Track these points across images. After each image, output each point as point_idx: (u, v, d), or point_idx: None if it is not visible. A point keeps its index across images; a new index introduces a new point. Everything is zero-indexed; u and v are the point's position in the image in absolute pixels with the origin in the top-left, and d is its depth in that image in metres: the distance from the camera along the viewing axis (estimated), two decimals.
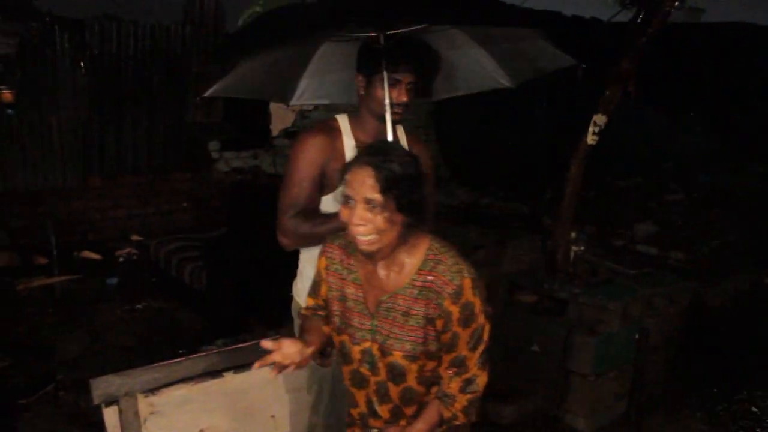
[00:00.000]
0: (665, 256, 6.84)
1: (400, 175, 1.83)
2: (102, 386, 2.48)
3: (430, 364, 2.01)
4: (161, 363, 2.62)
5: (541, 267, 4.51)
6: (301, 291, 2.60)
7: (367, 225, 1.84)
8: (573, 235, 4.40)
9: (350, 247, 2.05)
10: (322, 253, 2.14)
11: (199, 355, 2.71)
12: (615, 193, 9.49)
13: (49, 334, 5.07)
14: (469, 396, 2.01)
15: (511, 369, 4.09)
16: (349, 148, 2.46)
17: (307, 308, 2.21)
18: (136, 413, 2.56)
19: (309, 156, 2.42)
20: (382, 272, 1.99)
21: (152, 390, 2.56)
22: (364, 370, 2.06)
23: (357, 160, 1.86)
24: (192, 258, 5.44)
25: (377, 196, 1.81)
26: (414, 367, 1.98)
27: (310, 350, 1.96)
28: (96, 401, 2.48)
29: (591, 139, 4.20)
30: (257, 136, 8.40)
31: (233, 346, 2.76)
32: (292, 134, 8.49)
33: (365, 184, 1.82)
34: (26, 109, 6.98)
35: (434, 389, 2.06)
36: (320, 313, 2.17)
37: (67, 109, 7.05)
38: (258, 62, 2.68)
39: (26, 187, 6.80)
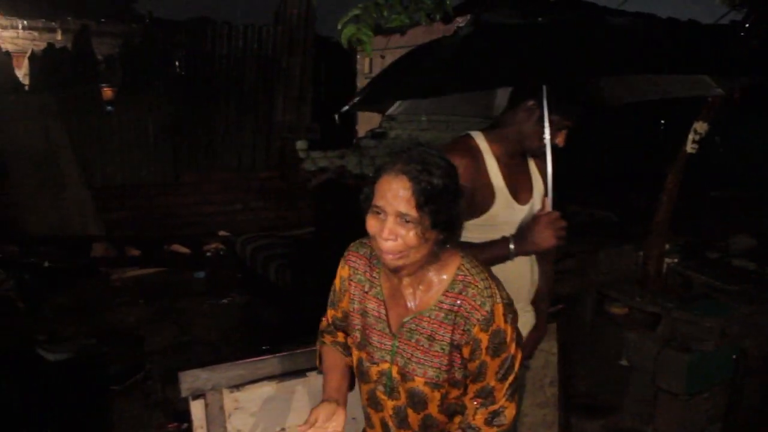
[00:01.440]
0: (763, 272, 6.48)
1: (439, 189, 1.63)
2: (189, 380, 2.52)
3: (455, 392, 1.83)
4: (247, 360, 2.64)
5: (633, 278, 4.34)
6: None
7: (398, 240, 1.66)
8: (666, 246, 4.22)
9: (375, 258, 1.88)
10: (345, 261, 1.96)
11: (284, 354, 2.72)
12: (710, 203, 9.08)
13: (140, 324, 5.24)
14: (495, 429, 1.81)
15: (598, 382, 3.96)
16: (493, 170, 2.28)
17: (326, 328, 2.08)
18: (222, 408, 2.59)
19: None
20: (407, 290, 1.82)
21: (237, 386, 2.59)
22: (380, 392, 1.90)
23: (392, 168, 1.65)
24: (277, 255, 5.52)
25: (412, 211, 1.62)
26: (437, 395, 1.82)
27: (343, 413, 1.85)
28: (183, 394, 2.52)
29: (690, 148, 4.01)
30: (343, 137, 8.46)
31: (314, 347, 2.75)
32: (378, 135, 8.51)
33: (400, 197, 1.63)
34: (125, 107, 7.25)
35: (457, 419, 1.87)
36: (339, 339, 2.04)
37: (162, 107, 7.29)
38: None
39: (122, 181, 7.08)
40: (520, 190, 2.31)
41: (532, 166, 2.43)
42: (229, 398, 2.59)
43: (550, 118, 2.22)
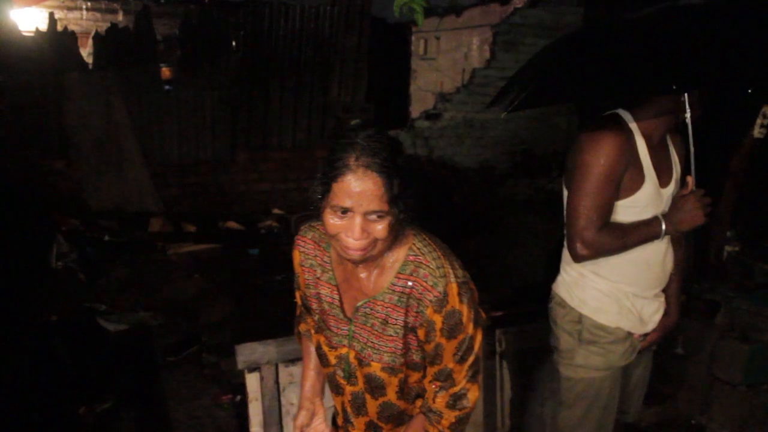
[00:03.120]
0: None
1: (405, 174, 1.53)
2: (246, 352, 2.57)
3: (415, 376, 1.77)
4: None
5: (691, 265, 4.24)
6: (582, 300, 2.34)
7: (369, 237, 1.56)
8: (728, 233, 4.10)
9: (324, 241, 1.81)
10: (295, 247, 1.88)
11: None
12: None
13: (195, 298, 5.34)
14: (457, 413, 1.75)
15: (652, 370, 3.88)
16: (642, 151, 2.19)
17: (299, 314, 2.05)
18: (276, 381, 2.63)
19: (609, 161, 2.11)
20: (362, 273, 1.73)
21: (292, 360, 2.62)
22: (339, 377, 1.85)
23: (354, 164, 1.50)
24: None
25: (384, 207, 1.51)
26: (394, 380, 1.76)
27: (321, 410, 1.97)
28: (240, 366, 2.57)
29: (758, 132, 3.87)
30: (398, 117, 8.46)
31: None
32: (432, 116, 8.47)
33: (371, 196, 1.50)
34: (183, 86, 7.36)
35: (419, 402, 1.82)
36: (310, 324, 1.97)
37: (219, 86, 7.39)
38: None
39: (180, 159, 7.21)
40: (662, 173, 2.24)
41: (672, 149, 2.34)
42: (284, 372, 2.63)
43: (690, 96, 2.12)
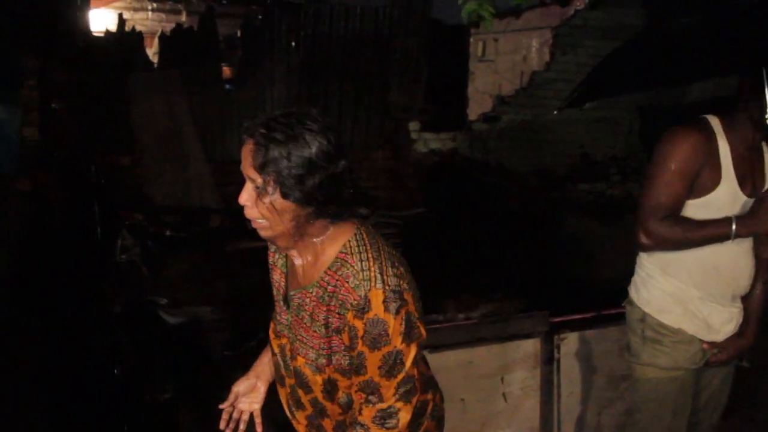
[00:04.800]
0: None
1: (284, 152, 1.48)
2: None
3: (344, 381, 1.66)
4: None
5: None
6: (647, 299, 2.36)
7: (253, 208, 1.55)
8: None
9: None
10: None
11: None
12: None
13: (254, 294, 5.41)
14: (385, 431, 1.61)
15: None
16: (724, 152, 2.19)
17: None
18: None
19: (683, 156, 2.15)
20: (297, 261, 1.69)
21: None
22: (281, 368, 1.80)
23: (246, 130, 1.54)
24: (389, 235, 5.57)
25: (256, 176, 1.51)
26: (318, 379, 1.68)
27: (263, 388, 1.90)
28: None
29: None
30: (455, 119, 8.44)
31: (432, 326, 2.78)
32: (491, 119, 8.42)
33: (246, 160, 1.53)
34: (244, 85, 7.49)
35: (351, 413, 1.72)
36: None
37: (279, 85, 7.50)
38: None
39: (240, 157, 7.34)
40: (748, 181, 2.21)
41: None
42: None
43: None
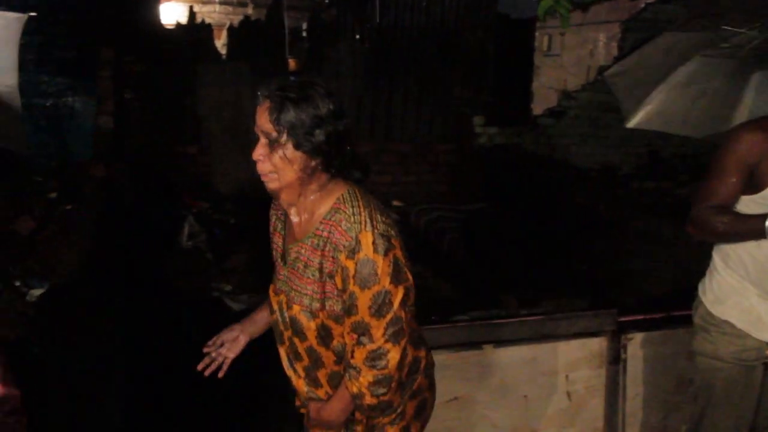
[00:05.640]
0: None
1: (298, 108, 1.68)
2: None
3: (337, 328, 1.81)
4: (425, 326, 2.70)
5: None
6: (706, 289, 2.41)
7: (266, 162, 1.73)
8: None
9: None
10: (271, 207, 2.04)
11: (461, 324, 2.77)
12: None
13: None
14: (375, 372, 1.75)
15: None
16: None
17: None
18: None
19: (741, 151, 2.19)
20: (295, 219, 1.85)
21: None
22: (279, 324, 1.93)
23: (262, 94, 1.74)
24: (451, 228, 5.58)
25: (272, 129, 1.69)
26: (312, 325, 1.82)
27: (243, 340, 2.06)
28: None
29: None
30: (519, 114, 8.35)
31: (496, 321, 2.77)
32: (557, 114, 8.30)
33: (262, 117, 1.71)
34: (310, 76, 7.55)
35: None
36: None
37: (345, 77, 7.54)
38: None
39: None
40: None
41: None
42: None
43: None
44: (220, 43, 8.91)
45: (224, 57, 8.25)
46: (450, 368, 2.72)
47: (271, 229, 2.01)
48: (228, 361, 2.06)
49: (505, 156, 7.64)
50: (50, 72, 7.36)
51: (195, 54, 7.66)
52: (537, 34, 13.19)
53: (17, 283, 4.35)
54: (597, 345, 2.93)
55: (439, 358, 2.69)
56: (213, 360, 2.06)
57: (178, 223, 6.01)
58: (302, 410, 2.05)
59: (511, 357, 2.79)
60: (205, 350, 2.07)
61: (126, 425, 3.37)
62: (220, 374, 2.05)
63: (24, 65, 7.13)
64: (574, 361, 2.90)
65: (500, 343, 2.75)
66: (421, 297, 5.51)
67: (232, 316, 4.77)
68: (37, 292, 4.31)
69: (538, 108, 8.84)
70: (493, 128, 8.07)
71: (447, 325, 2.76)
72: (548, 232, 5.39)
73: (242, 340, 2.09)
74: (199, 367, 2.06)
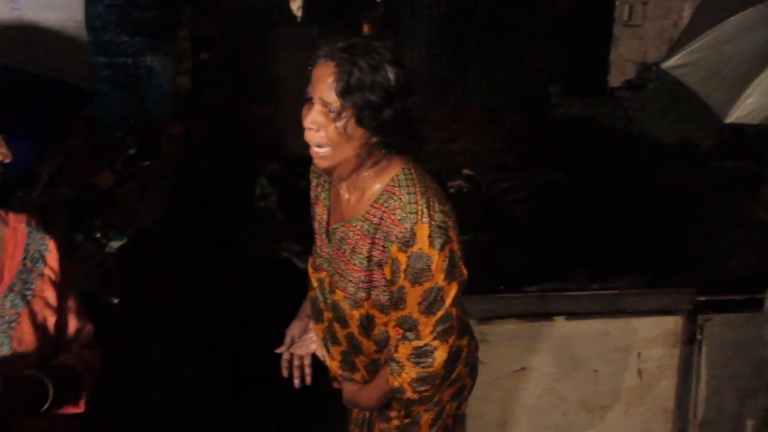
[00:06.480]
0: None
1: (367, 80, 1.47)
2: None
3: (381, 318, 1.67)
4: (498, 295, 2.69)
5: None
6: None
7: (320, 131, 1.54)
8: None
9: None
10: (311, 170, 1.87)
11: (534, 294, 2.74)
12: None
13: None
14: (420, 370, 1.62)
15: None
16: None
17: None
18: None
19: None
20: (345, 196, 1.68)
21: (485, 319, 2.65)
22: (319, 302, 1.81)
23: (322, 54, 1.54)
24: (522, 199, 5.51)
25: (335, 100, 1.49)
26: (356, 314, 1.68)
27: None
28: None
29: None
30: (596, 86, 8.13)
31: (569, 292, 2.73)
32: (636, 86, 8.05)
33: (324, 83, 1.50)
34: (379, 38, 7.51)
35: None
36: None
37: (420, 42, 7.48)
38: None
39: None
40: None
41: None
42: (475, 329, 2.64)
43: None
44: (296, 5, 8.92)
45: (299, 20, 8.28)
46: (519, 338, 2.71)
47: (313, 195, 1.86)
48: (308, 362, 1.94)
49: (580, 128, 7.47)
50: (130, 32, 7.53)
51: (271, 16, 7.70)
52: (617, 3, 12.73)
53: (98, 235, 4.50)
54: (672, 324, 2.86)
55: (509, 327, 2.70)
56: (290, 363, 1.95)
57: (250, 184, 6.11)
58: (334, 384, 1.96)
59: (582, 330, 2.75)
60: (279, 351, 1.96)
61: (194, 381, 3.46)
62: (308, 380, 1.94)
63: (106, 25, 7.35)
64: (647, 338, 2.85)
65: (572, 315, 2.72)
66: (491, 266, 5.51)
67: (299, 276, 4.86)
68: (116, 244, 4.46)
69: (615, 80, 8.56)
70: (569, 99, 7.88)
71: (518, 294, 2.73)
72: (623, 208, 5.27)
73: (311, 329, 1.97)
74: (284, 374, 1.94)
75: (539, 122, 7.77)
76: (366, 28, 9.05)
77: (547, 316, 2.70)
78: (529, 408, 2.78)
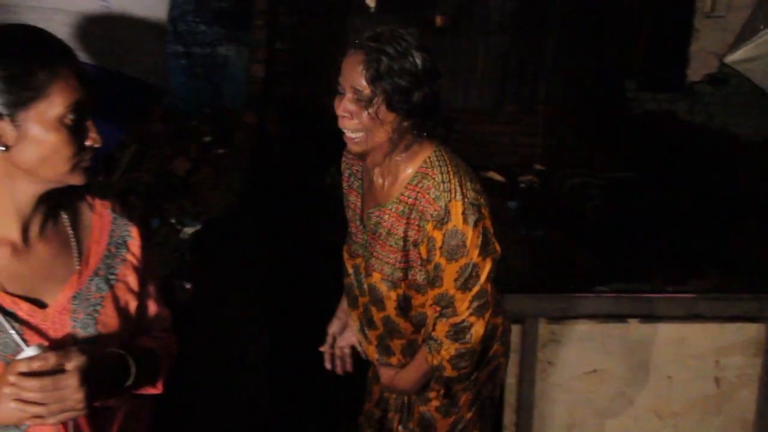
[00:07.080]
0: None
1: (395, 66, 1.54)
2: (512, 303, 2.58)
3: (419, 298, 1.74)
4: (569, 294, 2.64)
5: None
6: None
7: (353, 119, 1.60)
8: None
9: None
10: (343, 158, 1.94)
11: (608, 294, 2.68)
12: None
13: None
14: (458, 346, 1.68)
15: None
16: None
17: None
18: (536, 337, 2.63)
19: None
20: (378, 181, 1.75)
21: (557, 318, 2.60)
22: (354, 288, 1.85)
23: (353, 44, 1.62)
24: (595, 196, 5.40)
25: (365, 87, 1.56)
26: (393, 294, 1.73)
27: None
28: None
29: None
30: (674, 80, 7.88)
31: (645, 294, 2.66)
32: (717, 81, 7.75)
33: (354, 71, 1.58)
34: (456, 33, 7.48)
35: (424, 330, 1.78)
36: None
37: (493, 35, 7.41)
38: None
39: (448, 104, 7.39)
40: None
41: None
42: (545, 329, 2.62)
43: None
44: None
45: (372, 10, 8.29)
46: (591, 339, 2.65)
47: (345, 185, 1.93)
48: (348, 352, 2.04)
49: (657, 124, 7.25)
50: (207, 21, 7.70)
51: (344, 7, 7.74)
52: None
53: (172, 220, 4.61)
54: (755, 331, 2.75)
55: (581, 328, 2.64)
56: (334, 355, 2.06)
57: (322, 172, 6.16)
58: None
59: (657, 334, 2.67)
60: (322, 350, 2.06)
61: (263, 367, 3.52)
62: (348, 367, 2.05)
63: (183, 16, 7.52)
64: (726, 346, 2.74)
65: (647, 318, 2.64)
66: (560, 264, 5.40)
67: None
68: (190, 230, 4.55)
69: (695, 74, 8.26)
70: (646, 93, 7.65)
71: (591, 294, 2.66)
72: (701, 208, 5.09)
73: (349, 327, 2.05)
74: (327, 366, 2.05)
75: (614, 117, 7.59)
76: (439, 20, 9.01)
77: (621, 318, 2.64)
78: (599, 411, 2.72)
